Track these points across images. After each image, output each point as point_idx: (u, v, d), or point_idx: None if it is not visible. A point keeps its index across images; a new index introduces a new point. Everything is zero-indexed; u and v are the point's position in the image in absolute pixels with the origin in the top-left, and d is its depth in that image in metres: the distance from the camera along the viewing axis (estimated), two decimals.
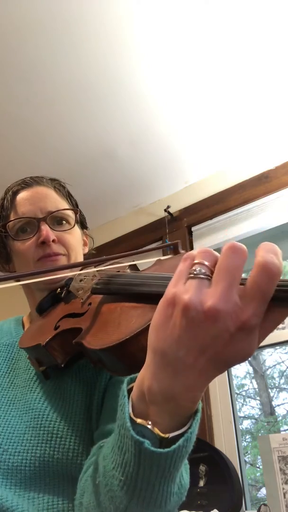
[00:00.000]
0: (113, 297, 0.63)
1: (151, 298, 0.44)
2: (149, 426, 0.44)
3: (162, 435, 0.44)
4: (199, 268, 0.41)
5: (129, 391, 0.48)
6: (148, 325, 0.45)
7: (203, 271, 0.41)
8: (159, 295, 0.44)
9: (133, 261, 0.72)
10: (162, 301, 0.43)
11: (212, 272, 0.41)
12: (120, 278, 0.63)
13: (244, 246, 0.40)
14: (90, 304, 0.68)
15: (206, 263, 0.41)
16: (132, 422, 0.45)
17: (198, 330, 0.39)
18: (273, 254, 0.38)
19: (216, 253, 0.42)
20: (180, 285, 0.41)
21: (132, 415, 0.46)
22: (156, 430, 0.44)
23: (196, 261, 0.42)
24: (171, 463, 0.44)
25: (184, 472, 0.51)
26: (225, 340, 0.38)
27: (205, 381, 0.42)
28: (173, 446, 0.43)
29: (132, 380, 0.49)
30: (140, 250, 0.80)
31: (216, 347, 0.39)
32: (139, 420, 0.45)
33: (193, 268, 0.42)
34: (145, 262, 0.71)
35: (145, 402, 0.45)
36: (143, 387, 0.45)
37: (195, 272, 0.41)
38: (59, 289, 0.82)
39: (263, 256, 0.38)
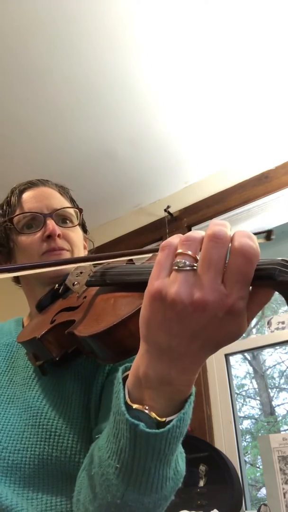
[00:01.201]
0: (107, 289, 0.64)
1: (142, 286, 0.45)
2: (146, 411, 0.45)
3: (160, 419, 0.45)
4: (183, 261, 0.41)
5: (124, 380, 0.49)
6: (136, 311, 0.45)
7: (187, 263, 0.40)
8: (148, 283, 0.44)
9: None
10: (146, 295, 0.43)
11: (195, 260, 0.41)
12: (113, 270, 0.64)
13: (224, 230, 0.40)
14: (85, 297, 0.69)
15: (189, 252, 0.41)
16: (128, 407, 0.46)
17: (188, 321, 0.40)
18: (248, 238, 0.39)
19: (197, 236, 0.42)
20: (163, 277, 0.42)
21: (128, 401, 0.46)
22: (153, 414, 0.45)
23: (178, 251, 0.42)
24: (166, 444, 0.45)
25: (180, 459, 0.52)
26: (214, 326, 0.40)
27: (200, 363, 0.44)
28: (168, 426, 0.44)
29: (127, 369, 0.50)
30: (142, 250, 0.80)
31: (207, 333, 0.41)
32: (135, 405, 0.46)
33: (177, 259, 0.41)
34: (143, 258, 0.71)
35: (141, 388, 0.46)
36: (139, 373, 0.45)
37: (180, 265, 0.41)
38: (57, 285, 0.83)
39: (239, 241, 0.39)
